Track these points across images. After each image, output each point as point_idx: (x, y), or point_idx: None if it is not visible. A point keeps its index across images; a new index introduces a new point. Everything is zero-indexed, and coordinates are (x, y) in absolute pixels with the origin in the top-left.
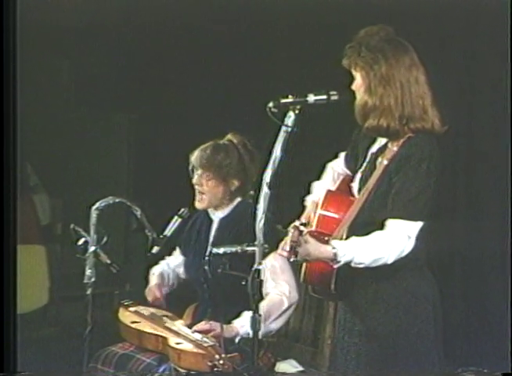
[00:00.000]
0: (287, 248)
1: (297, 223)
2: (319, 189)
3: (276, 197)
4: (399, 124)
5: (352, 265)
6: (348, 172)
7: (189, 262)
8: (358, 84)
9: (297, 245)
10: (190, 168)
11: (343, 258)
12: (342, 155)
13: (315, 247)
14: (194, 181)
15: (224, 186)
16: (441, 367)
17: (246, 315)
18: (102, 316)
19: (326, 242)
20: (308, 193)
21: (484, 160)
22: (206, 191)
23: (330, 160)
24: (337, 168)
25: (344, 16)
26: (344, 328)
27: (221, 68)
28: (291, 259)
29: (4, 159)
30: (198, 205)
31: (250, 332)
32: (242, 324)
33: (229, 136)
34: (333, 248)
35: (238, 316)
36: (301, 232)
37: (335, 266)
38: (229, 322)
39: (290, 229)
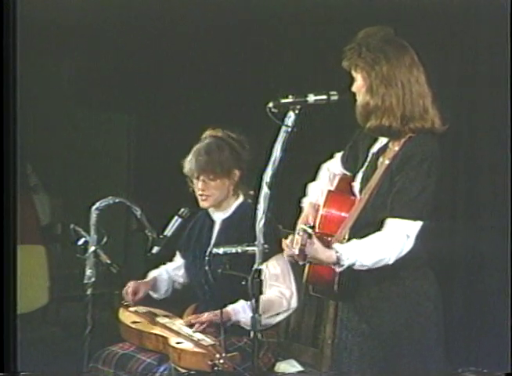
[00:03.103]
0: (296, 252)
1: (304, 226)
2: (316, 190)
3: (276, 197)
4: (401, 123)
5: (355, 267)
6: (346, 172)
7: (190, 264)
8: (359, 85)
9: (306, 248)
10: (187, 172)
11: (346, 262)
12: (338, 156)
13: (321, 251)
14: (199, 187)
15: (228, 180)
16: (443, 366)
17: (241, 302)
18: (102, 316)
19: (329, 243)
20: (305, 194)
21: (484, 160)
22: (212, 192)
23: (326, 161)
24: (333, 168)
25: (345, 16)
26: (346, 328)
27: (221, 68)
28: (300, 263)
29: (4, 159)
30: (204, 204)
31: (242, 320)
32: (235, 311)
33: (211, 132)
34: (337, 252)
35: None
36: (310, 235)
37: (338, 270)
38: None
39: (299, 232)
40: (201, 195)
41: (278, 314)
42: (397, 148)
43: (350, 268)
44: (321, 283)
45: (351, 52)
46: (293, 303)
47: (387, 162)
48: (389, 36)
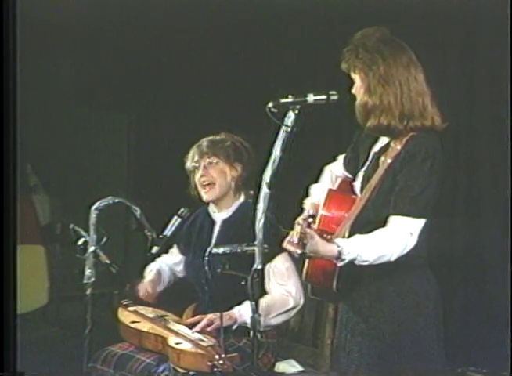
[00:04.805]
0: (295, 240)
1: (305, 216)
2: (318, 191)
3: (276, 197)
4: (400, 122)
5: (356, 262)
6: (348, 175)
7: (189, 263)
8: (358, 86)
9: (305, 237)
10: (189, 167)
11: (347, 256)
12: (340, 158)
13: (321, 244)
14: (201, 173)
15: (229, 169)
16: (443, 366)
17: (246, 303)
18: (102, 316)
19: (329, 240)
20: (307, 194)
21: (484, 160)
22: (215, 178)
23: (329, 163)
24: (335, 170)
25: (345, 16)
26: (346, 328)
27: (221, 68)
28: (298, 251)
29: (4, 159)
30: (208, 197)
31: (248, 321)
32: (241, 312)
33: (210, 136)
34: (338, 246)
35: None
36: (309, 224)
37: (339, 264)
38: (230, 308)
39: (298, 221)
40: (203, 184)
41: (285, 312)
42: (399, 147)
43: (350, 265)
44: (320, 281)
45: (349, 53)
46: (299, 300)
47: (389, 161)
48: (385, 36)
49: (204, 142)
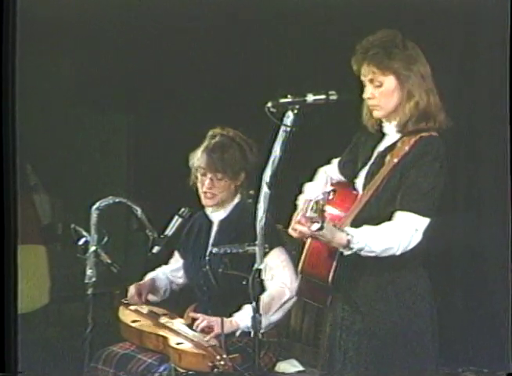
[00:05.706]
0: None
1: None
2: (312, 189)
3: (276, 197)
4: (427, 121)
5: (362, 253)
6: (342, 178)
7: (189, 265)
8: (392, 87)
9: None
10: (195, 170)
11: (356, 246)
12: (335, 161)
13: (333, 231)
14: (206, 185)
15: (234, 182)
16: (438, 366)
17: (247, 308)
18: (103, 316)
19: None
20: (301, 193)
21: (484, 160)
22: (219, 192)
23: (322, 165)
24: (330, 172)
25: (345, 16)
26: (341, 326)
27: (221, 68)
28: (317, 226)
29: (4, 159)
30: (208, 203)
31: (250, 324)
32: (242, 318)
33: (221, 131)
34: (348, 234)
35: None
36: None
37: (347, 253)
38: (230, 315)
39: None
40: (206, 193)
41: (283, 304)
42: (407, 147)
43: (348, 260)
44: (316, 273)
45: (377, 56)
46: (295, 289)
47: (395, 160)
48: (404, 37)
49: (216, 151)
